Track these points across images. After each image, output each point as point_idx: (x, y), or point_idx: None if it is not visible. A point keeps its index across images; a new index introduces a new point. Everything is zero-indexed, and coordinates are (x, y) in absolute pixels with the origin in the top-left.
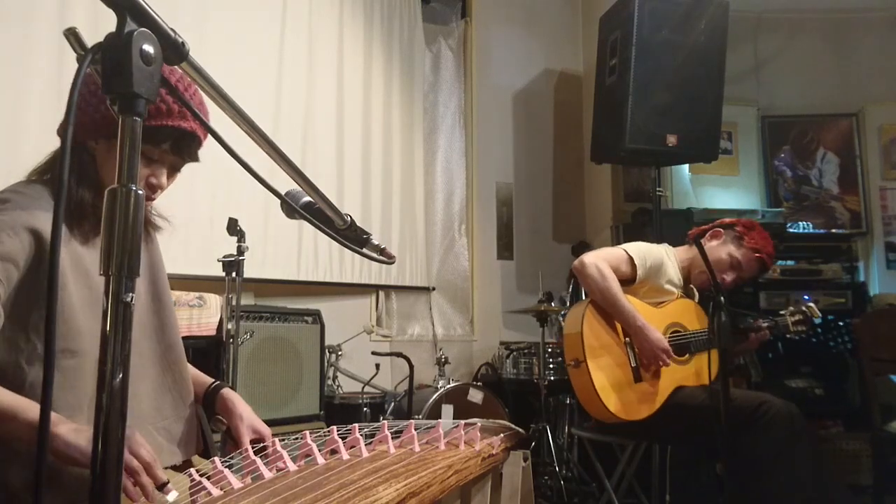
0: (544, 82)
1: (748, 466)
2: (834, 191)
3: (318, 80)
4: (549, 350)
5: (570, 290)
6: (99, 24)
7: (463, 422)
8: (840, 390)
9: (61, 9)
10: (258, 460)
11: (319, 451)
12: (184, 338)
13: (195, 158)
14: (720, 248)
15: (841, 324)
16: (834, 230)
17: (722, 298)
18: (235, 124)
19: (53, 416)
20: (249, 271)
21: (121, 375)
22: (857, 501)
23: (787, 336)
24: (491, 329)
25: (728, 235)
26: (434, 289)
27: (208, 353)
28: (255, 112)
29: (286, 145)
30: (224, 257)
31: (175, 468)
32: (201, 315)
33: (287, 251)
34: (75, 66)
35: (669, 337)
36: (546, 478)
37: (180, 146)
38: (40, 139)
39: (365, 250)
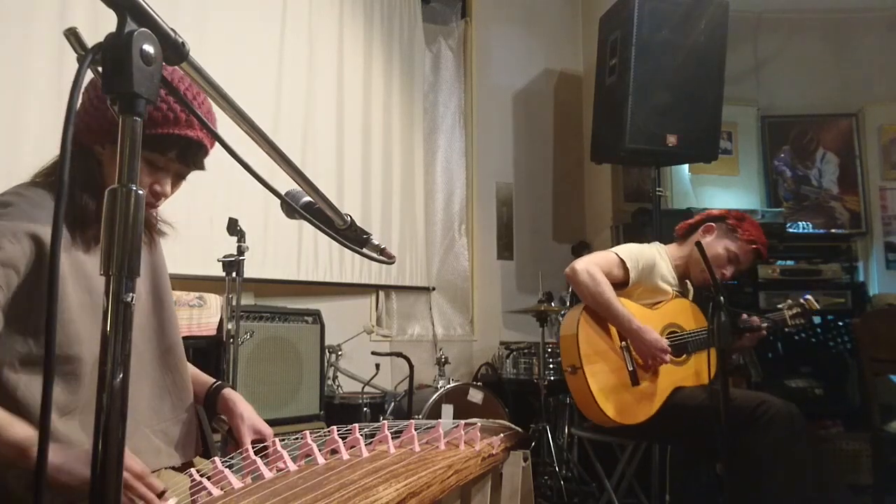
0: (544, 82)
1: (748, 466)
2: (834, 191)
3: (318, 79)
4: (549, 350)
5: (570, 290)
6: (99, 24)
7: (463, 422)
8: (840, 390)
9: (61, 9)
10: (258, 460)
11: (319, 451)
12: (184, 338)
13: (201, 167)
14: (716, 243)
15: (841, 324)
16: (834, 230)
17: (722, 298)
18: (235, 124)
19: (32, 440)
20: (249, 271)
21: (121, 375)
22: (856, 501)
23: (786, 330)
24: (491, 329)
25: (721, 229)
26: (434, 289)
27: (208, 353)
28: (255, 112)
29: (286, 145)
30: (224, 257)
31: (175, 469)
32: (201, 315)
33: (287, 251)
34: (75, 66)
35: (667, 338)
36: (546, 478)
37: (186, 155)
38: (40, 139)
39: (365, 250)
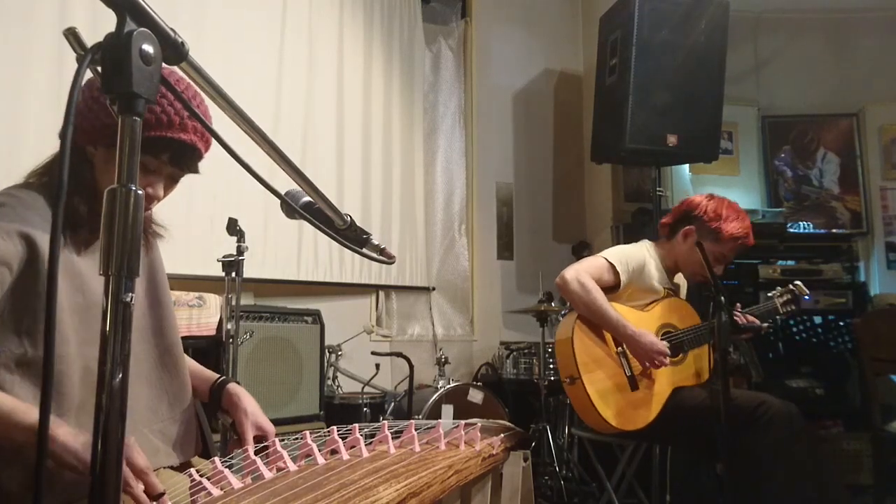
0: (544, 82)
1: (748, 466)
2: (834, 191)
3: (318, 79)
4: (550, 350)
5: None
6: (99, 24)
7: (463, 422)
8: (840, 390)
9: (61, 9)
10: (258, 460)
11: (319, 451)
12: (184, 338)
13: (194, 170)
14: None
15: (841, 324)
16: (834, 230)
17: (722, 298)
18: (235, 124)
19: (53, 418)
20: (249, 271)
21: (120, 375)
22: (857, 501)
23: (778, 317)
24: (491, 329)
25: (700, 231)
26: (434, 289)
27: (208, 353)
28: (255, 112)
29: (286, 145)
30: (224, 257)
31: (174, 469)
32: (201, 315)
33: (287, 251)
34: (75, 66)
35: (662, 338)
36: (546, 478)
37: (179, 158)
38: (40, 140)
39: (365, 250)
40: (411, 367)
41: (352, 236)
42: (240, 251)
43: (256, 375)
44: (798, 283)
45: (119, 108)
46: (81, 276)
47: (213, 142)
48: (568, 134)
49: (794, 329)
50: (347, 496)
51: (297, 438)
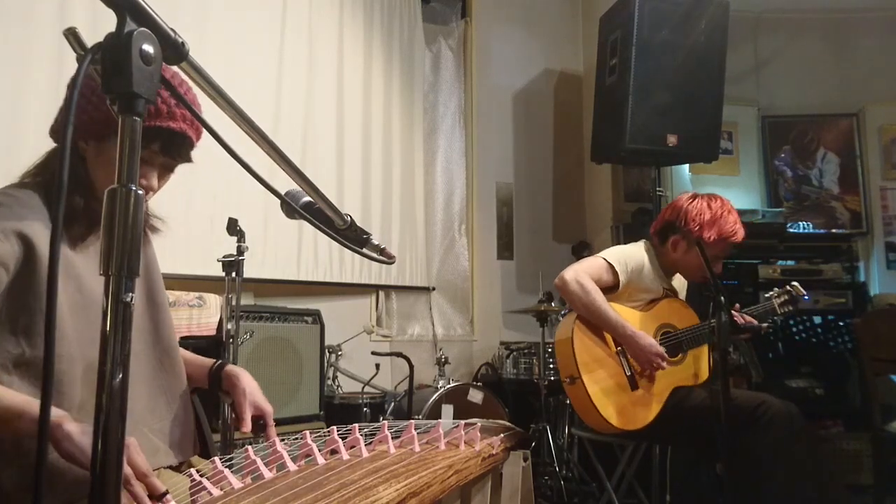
0: (544, 82)
1: (748, 466)
2: (834, 191)
3: (318, 79)
4: (550, 350)
5: None
6: (99, 24)
7: (463, 422)
8: (840, 390)
9: (61, 9)
10: (258, 460)
11: (319, 451)
12: (184, 338)
13: (187, 159)
14: (689, 256)
15: (841, 324)
16: (834, 230)
17: (722, 298)
18: (235, 124)
19: (63, 413)
20: (249, 271)
21: (120, 375)
22: (857, 501)
23: (776, 318)
24: (491, 329)
25: (687, 239)
26: (434, 289)
27: (208, 353)
28: (255, 112)
29: (286, 145)
30: (224, 257)
31: (173, 468)
32: (201, 315)
33: (287, 251)
34: (75, 65)
35: (661, 339)
36: (546, 478)
37: (170, 147)
38: (40, 140)
39: (365, 250)
40: (411, 367)
41: (352, 236)
42: (240, 251)
43: (256, 375)
44: (795, 283)
45: (119, 107)
46: (79, 274)
47: (213, 141)
48: (568, 134)
49: (794, 329)
50: (347, 496)
51: (297, 438)
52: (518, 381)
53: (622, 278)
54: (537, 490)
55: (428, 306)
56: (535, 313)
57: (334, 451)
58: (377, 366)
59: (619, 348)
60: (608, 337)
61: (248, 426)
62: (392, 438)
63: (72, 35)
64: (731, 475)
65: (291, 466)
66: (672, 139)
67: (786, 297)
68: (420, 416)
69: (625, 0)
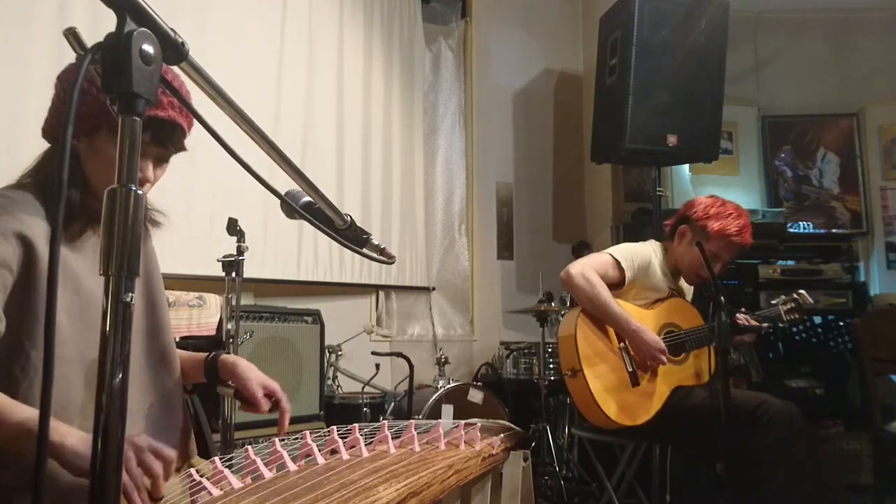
0: (544, 82)
1: (748, 466)
2: (834, 191)
3: (318, 79)
4: (550, 350)
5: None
6: (99, 24)
7: (463, 422)
8: (840, 390)
9: (61, 9)
10: (258, 460)
11: (319, 451)
12: (184, 338)
13: (181, 148)
14: (691, 249)
15: (841, 324)
16: (834, 230)
17: (722, 298)
18: (235, 124)
19: (62, 426)
20: (249, 271)
21: (120, 375)
22: (857, 501)
23: (781, 325)
24: (491, 329)
25: (694, 231)
26: (434, 289)
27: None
28: (255, 112)
29: (286, 145)
30: (224, 257)
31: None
32: (201, 315)
33: (287, 251)
34: None
35: (664, 337)
36: (546, 478)
37: (160, 136)
38: (40, 140)
39: (365, 250)
40: (411, 367)
41: (352, 236)
42: (240, 251)
43: None
44: (802, 292)
45: (119, 108)
46: (76, 275)
47: (213, 141)
48: (568, 134)
49: (794, 329)
50: (347, 496)
51: (297, 438)
52: (518, 381)
53: (628, 275)
54: (537, 490)
55: (428, 306)
56: (535, 313)
57: (334, 451)
58: (377, 366)
59: (621, 344)
60: (611, 332)
61: (264, 406)
62: (392, 438)
63: (72, 35)
64: (731, 475)
65: (291, 466)
66: (672, 139)
67: (792, 304)
68: (420, 416)
69: (625, 0)
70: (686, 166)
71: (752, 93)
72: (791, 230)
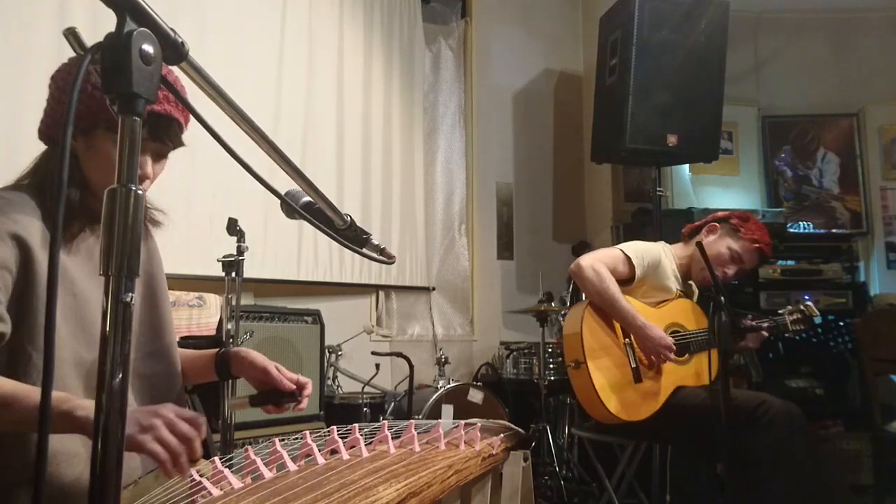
0: (544, 82)
1: (748, 466)
2: (834, 191)
3: (318, 79)
4: (550, 350)
5: (570, 290)
6: (99, 24)
7: (463, 422)
8: (840, 390)
9: (61, 9)
10: (258, 460)
11: (319, 451)
12: (184, 338)
13: (178, 143)
14: (719, 243)
15: (841, 324)
16: (834, 230)
17: (722, 298)
18: (235, 124)
19: (66, 398)
20: (249, 271)
21: (120, 375)
22: (857, 501)
23: (786, 335)
24: (491, 329)
25: (724, 229)
26: (434, 289)
27: None
28: (255, 112)
29: (286, 145)
30: (224, 257)
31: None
32: (201, 315)
33: (287, 251)
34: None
35: (669, 336)
36: (546, 478)
37: (157, 131)
38: (39, 140)
39: (365, 250)
40: (411, 367)
41: (352, 236)
42: (240, 251)
43: None
44: (810, 304)
45: (119, 108)
46: (72, 277)
47: (213, 141)
48: (568, 134)
49: None
50: (347, 496)
51: (297, 438)
52: (518, 381)
53: (638, 271)
54: (537, 490)
55: (428, 306)
56: (535, 313)
57: (334, 451)
58: (377, 366)
59: (626, 340)
60: (618, 328)
61: (303, 401)
62: (392, 438)
63: (72, 35)
64: (731, 475)
65: (291, 466)
66: (672, 139)
67: (798, 315)
68: (420, 416)
69: (625, 0)
70: (686, 166)
71: (752, 93)
72: (791, 230)
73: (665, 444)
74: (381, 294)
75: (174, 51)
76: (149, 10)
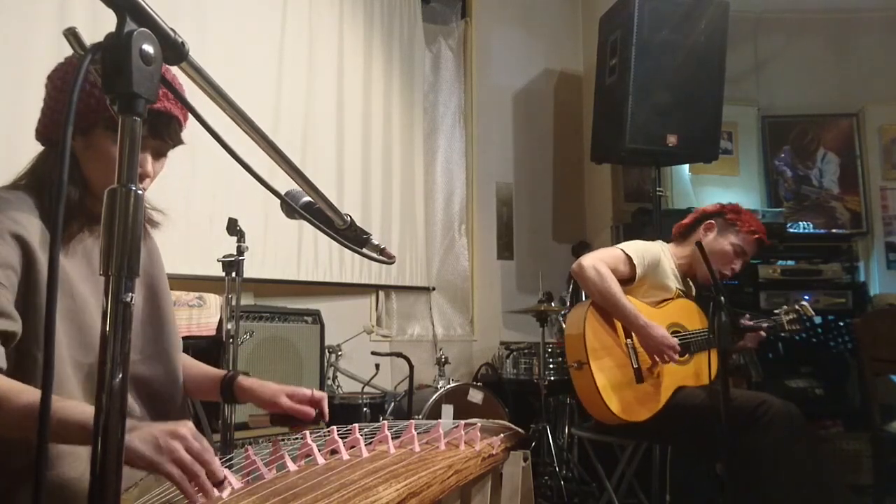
0: (544, 82)
1: (748, 466)
2: (834, 191)
3: (318, 79)
4: (549, 350)
5: (570, 290)
6: (99, 24)
7: (463, 422)
8: (840, 390)
9: (61, 9)
10: (258, 460)
11: (319, 451)
12: (184, 338)
13: (178, 141)
14: (720, 240)
15: (841, 324)
16: (834, 230)
17: (722, 298)
18: (235, 124)
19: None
20: (249, 271)
21: (120, 375)
22: (856, 501)
23: (783, 335)
24: (491, 329)
25: (720, 225)
26: (434, 289)
27: (208, 353)
28: (255, 112)
29: (286, 145)
30: (224, 257)
31: None
32: (201, 315)
33: (287, 251)
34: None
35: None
36: (546, 478)
37: (157, 128)
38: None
39: (365, 250)
40: (411, 367)
41: (352, 236)
42: (240, 251)
43: (256, 375)
44: (805, 304)
45: (119, 108)
46: (69, 279)
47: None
48: (568, 134)
49: None
50: (347, 496)
51: (297, 438)
52: (518, 381)
53: (639, 271)
54: (537, 490)
55: (428, 306)
56: (535, 313)
57: (334, 451)
58: (377, 366)
59: (628, 340)
60: (619, 328)
61: (310, 412)
62: (392, 438)
63: (72, 35)
64: (731, 475)
65: (291, 466)
66: (672, 139)
67: (794, 315)
68: (420, 416)
69: (625, 0)
70: (686, 166)
71: (752, 93)
72: (791, 230)
73: (665, 444)
74: (381, 294)
75: (174, 51)
76: (149, 10)
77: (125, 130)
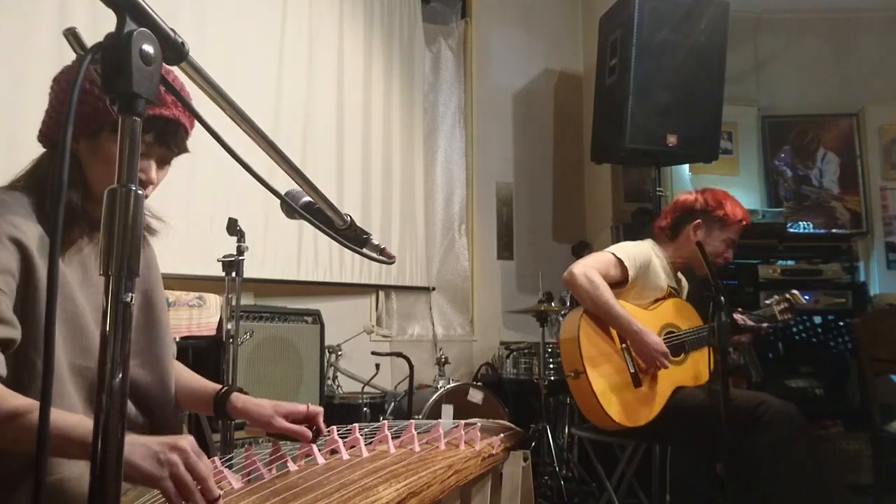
0: (544, 82)
1: (748, 466)
2: (834, 191)
3: (318, 80)
4: (549, 350)
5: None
6: (99, 24)
7: (463, 422)
8: (840, 390)
9: (61, 9)
10: (258, 460)
11: (319, 451)
12: (184, 338)
13: (183, 149)
14: (712, 238)
15: (841, 324)
16: (834, 230)
17: (722, 298)
18: (235, 124)
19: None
20: (249, 271)
21: (120, 375)
22: (857, 501)
23: (776, 325)
24: (491, 329)
25: (708, 223)
26: (434, 289)
27: (208, 353)
28: (255, 112)
29: (286, 145)
30: (224, 257)
31: None
32: (201, 315)
33: (287, 251)
34: None
35: (664, 338)
36: (546, 478)
37: (165, 136)
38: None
39: (365, 250)
40: (411, 367)
41: (352, 236)
42: (240, 251)
43: (256, 375)
44: (795, 291)
45: (119, 108)
46: (69, 284)
47: (213, 141)
48: (568, 134)
49: (794, 329)
50: (347, 496)
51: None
52: (518, 381)
53: (631, 273)
54: (537, 490)
55: (428, 306)
56: (535, 313)
57: (334, 451)
58: (377, 366)
59: (623, 345)
60: (614, 333)
61: (306, 434)
62: (392, 438)
63: (72, 35)
64: (731, 475)
65: (291, 466)
66: (672, 139)
67: (785, 304)
68: (420, 416)
69: (625, 0)
70: (686, 166)
71: (752, 93)
72: (791, 230)
73: (665, 445)
74: (381, 294)
75: (174, 51)
76: (149, 10)
77: (125, 130)
